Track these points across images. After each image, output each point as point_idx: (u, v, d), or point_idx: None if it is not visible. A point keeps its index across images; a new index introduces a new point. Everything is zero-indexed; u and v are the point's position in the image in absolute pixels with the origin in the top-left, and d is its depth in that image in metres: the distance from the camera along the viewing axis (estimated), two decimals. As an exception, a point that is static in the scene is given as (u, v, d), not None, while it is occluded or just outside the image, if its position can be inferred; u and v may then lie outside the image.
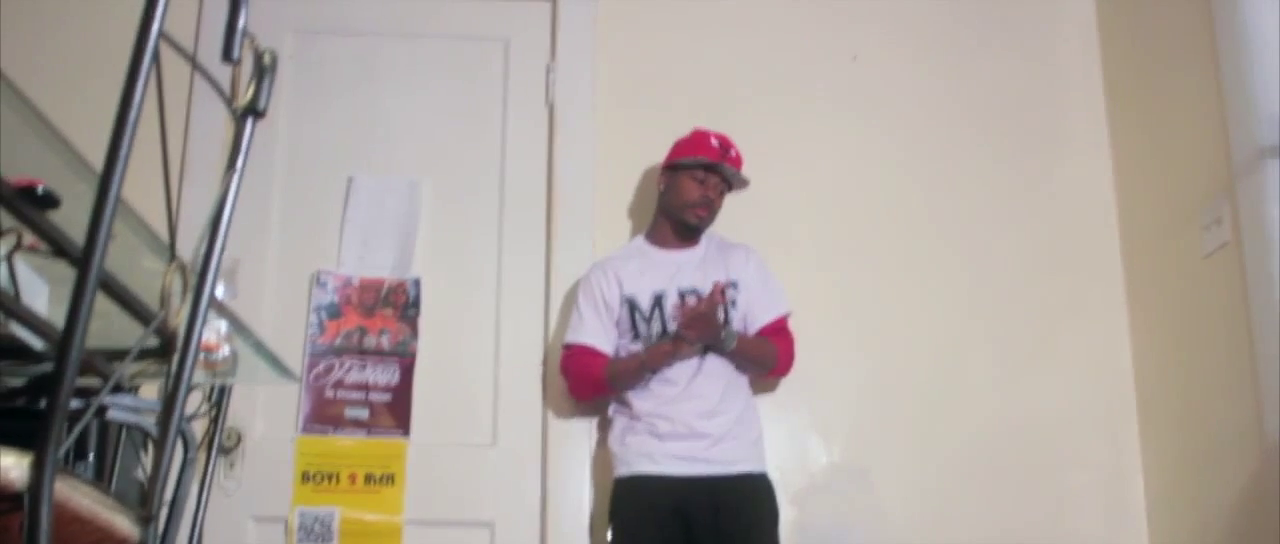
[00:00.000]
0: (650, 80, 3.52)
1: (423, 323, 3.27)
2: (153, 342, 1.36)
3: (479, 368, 3.28)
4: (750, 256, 3.13)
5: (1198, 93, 3.07)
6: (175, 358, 1.33)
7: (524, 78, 3.50)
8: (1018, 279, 3.44)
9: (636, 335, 3.00)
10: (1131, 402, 3.35)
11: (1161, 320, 3.28)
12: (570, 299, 3.20)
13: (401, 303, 3.28)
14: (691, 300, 2.97)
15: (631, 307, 3.01)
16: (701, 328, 2.86)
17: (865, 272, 3.39)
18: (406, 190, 3.37)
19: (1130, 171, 3.48)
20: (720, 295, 2.88)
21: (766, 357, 3.07)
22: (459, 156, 3.44)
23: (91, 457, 2.18)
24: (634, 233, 3.27)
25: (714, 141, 3.08)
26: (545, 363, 3.26)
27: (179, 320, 1.33)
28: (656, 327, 2.98)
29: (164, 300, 1.32)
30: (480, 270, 3.35)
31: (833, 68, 3.57)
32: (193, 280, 1.34)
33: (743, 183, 3.11)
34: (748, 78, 3.53)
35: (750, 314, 3.07)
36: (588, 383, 3.06)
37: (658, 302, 3.00)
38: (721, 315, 2.89)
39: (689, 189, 3.06)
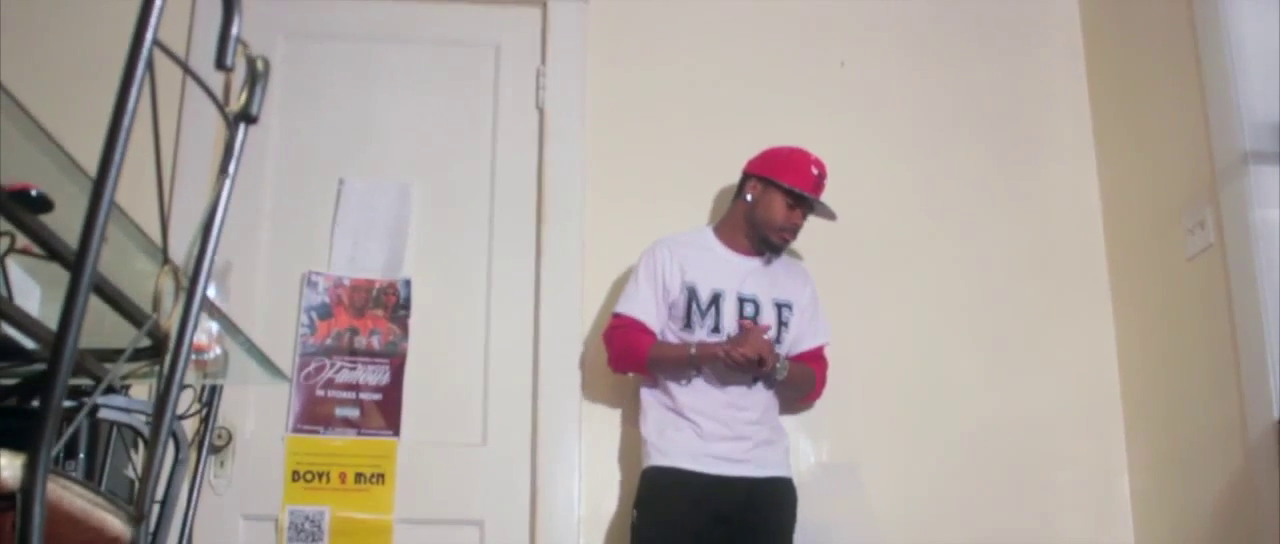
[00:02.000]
0: (640, 85, 3.53)
1: (413, 323, 3.28)
2: (145, 342, 1.36)
3: (469, 368, 3.29)
4: (808, 281, 3.15)
5: (1181, 98, 3.09)
6: (167, 359, 1.34)
7: (514, 82, 3.51)
8: (1004, 281, 3.46)
9: (687, 324, 2.97)
10: (1117, 402, 3.38)
11: (1146, 322, 3.31)
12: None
13: (392, 303, 3.29)
14: (749, 309, 2.98)
15: (690, 295, 2.98)
16: (753, 367, 2.85)
17: (852, 274, 3.41)
18: (397, 193, 3.38)
19: (1115, 175, 3.50)
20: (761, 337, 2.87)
21: (807, 384, 3.10)
22: (450, 160, 3.45)
23: (82, 455, 2.18)
24: (625, 236, 3.24)
25: (814, 171, 3.03)
26: (535, 363, 3.27)
27: (171, 322, 1.34)
28: (710, 323, 2.96)
29: (156, 302, 1.33)
30: (471, 272, 3.36)
31: (820, 73, 3.59)
32: (185, 283, 1.35)
33: (830, 215, 3.08)
34: (736, 83, 3.54)
35: (798, 338, 3.08)
36: (629, 358, 3.02)
37: (715, 300, 2.98)
38: (773, 352, 2.88)
39: (779, 211, 3.02)
